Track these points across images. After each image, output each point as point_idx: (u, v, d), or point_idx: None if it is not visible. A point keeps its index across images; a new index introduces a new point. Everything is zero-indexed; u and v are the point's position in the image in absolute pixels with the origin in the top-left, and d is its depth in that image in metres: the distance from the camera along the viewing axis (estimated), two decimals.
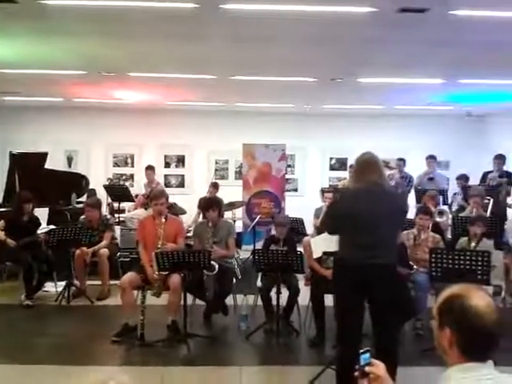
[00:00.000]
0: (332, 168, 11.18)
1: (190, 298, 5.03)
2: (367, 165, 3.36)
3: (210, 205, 5.23)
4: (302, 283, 5.21)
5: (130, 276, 4.70)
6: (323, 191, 8.05)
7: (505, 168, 7.38)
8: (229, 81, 6.77)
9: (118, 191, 8.15)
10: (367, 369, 1.56)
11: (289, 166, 10.67)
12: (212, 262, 4.61)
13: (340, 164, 11.04)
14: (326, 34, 4.61)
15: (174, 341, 4.50)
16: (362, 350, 1.60)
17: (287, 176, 9.88)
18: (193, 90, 7.97)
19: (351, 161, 9.68)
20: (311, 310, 4.80)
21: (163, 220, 4.75)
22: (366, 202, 3.27)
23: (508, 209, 7.09)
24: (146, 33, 4.74)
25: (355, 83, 6.93)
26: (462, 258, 4.19)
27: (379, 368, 1.58)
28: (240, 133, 9.81)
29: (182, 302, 4.48)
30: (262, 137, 9.20)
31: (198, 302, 5.23)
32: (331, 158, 11.15)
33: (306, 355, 4.55)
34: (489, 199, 6.34)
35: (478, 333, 1.48)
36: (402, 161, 8.65)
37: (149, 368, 4.09)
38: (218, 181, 8.82)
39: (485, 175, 7.40)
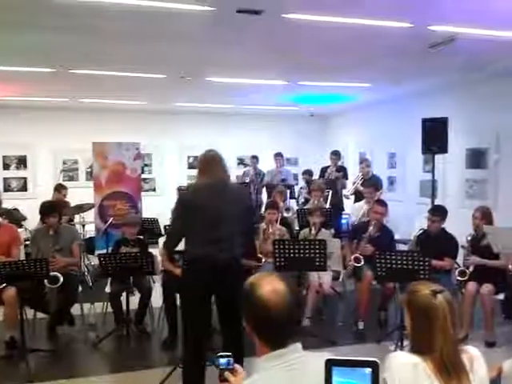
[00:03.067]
0: (190, 166, 11.16)
1: (31, 310, 4.63)
2: (211, 161, 3.40)
3: (49, 210, 4.82)
4: (159, 284, 5.10)
5: None
6: (179, 190, 8.04)
7: (341, 163, 8.14)
8: (69, 74, 6.31)
9: None
10: (226, 374, 1.55)
11: (146, 165, 10.38)
12: (55, 274, 4.28)
13: None
14: (167, 30, 4.53)
15: (12, 358, 4.13)
16: (221, 354, 1.58)
17: (144, 176, 9.61)
18: (30, 83, 7.27)
19: None
20: (164, 310, 4.74)
21: None
22: (210, 196, 3.29)
23: (344, 199, 7.81)
24: None
25: (204, 82, 6.98)
26: (302, 247, 4.50)
27: (237, 378, 1.55)
28: (90, 131, 9.27)
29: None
30: (114, 135, 8.76)
31: (42, 314, 4.82)
32: (189, 157, 11.14)
33: (159, 357, 4.47)
34: (328, 191, 6.92)
35: (264, 320, 1.50)
36: (255, 158, 9.12)
37: None
38: (66, 182, 8.21)
39: (323, 170, 8.06)
